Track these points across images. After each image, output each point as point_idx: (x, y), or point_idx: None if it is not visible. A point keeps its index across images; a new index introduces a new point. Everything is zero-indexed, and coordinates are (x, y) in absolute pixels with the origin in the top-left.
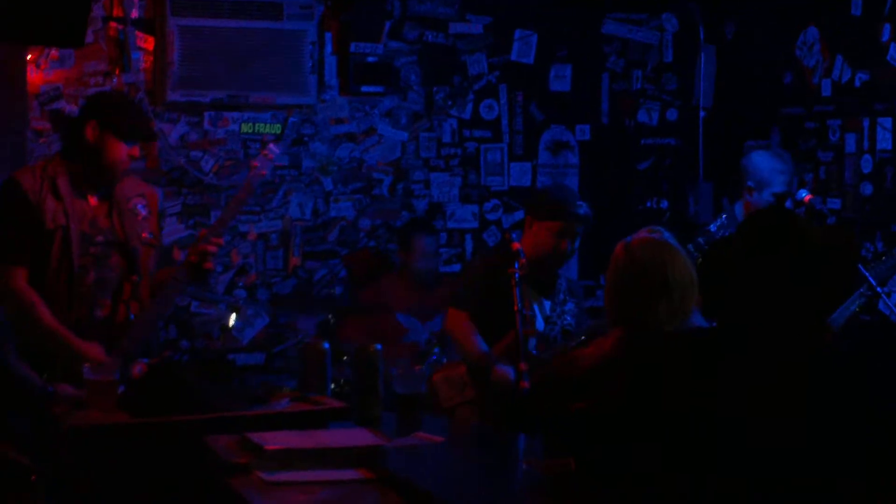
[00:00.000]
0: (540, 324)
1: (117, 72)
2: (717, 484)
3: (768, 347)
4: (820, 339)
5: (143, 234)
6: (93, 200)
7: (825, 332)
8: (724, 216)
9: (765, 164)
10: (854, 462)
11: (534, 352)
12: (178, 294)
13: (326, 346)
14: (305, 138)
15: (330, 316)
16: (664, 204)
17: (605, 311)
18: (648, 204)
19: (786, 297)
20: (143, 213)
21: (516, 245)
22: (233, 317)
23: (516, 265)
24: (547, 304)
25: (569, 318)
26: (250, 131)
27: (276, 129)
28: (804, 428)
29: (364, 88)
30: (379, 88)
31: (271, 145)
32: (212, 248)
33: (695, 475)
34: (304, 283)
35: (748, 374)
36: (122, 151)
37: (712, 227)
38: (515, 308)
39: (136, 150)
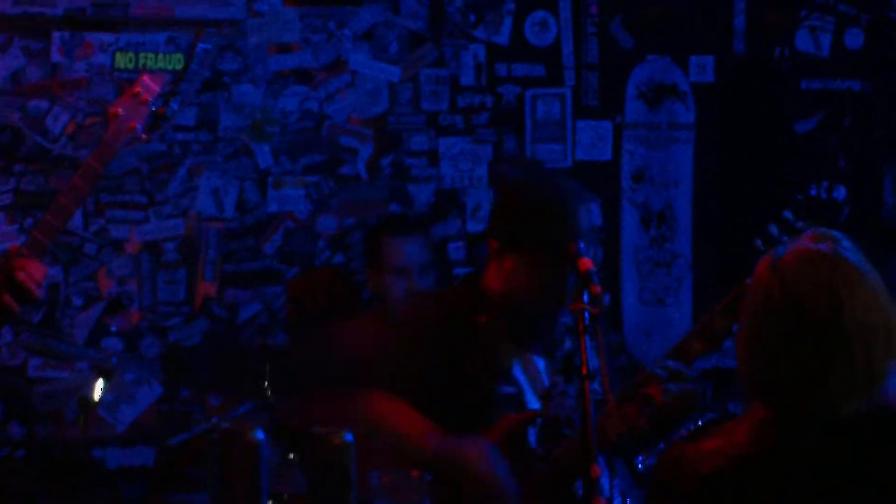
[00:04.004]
0: (533, 403)
1: None
2: None
3: None
4: None
5: None
6: None
7: None
8: None
9: None
10: None
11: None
12: None
13: (260, 435)
14: (226, 78)
15: (266, 383)
16: (840, 192)
17: (738, 376)
18: (813, 192)
19: None
20: None
21: (586, 262)
22: (99, 385)
23: (585, 297)
24: (540, 362)
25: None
26: (131, 66)
27: (177, 61)
28: None
29: None
30: None
31: (146, 77)
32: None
33: None
34: (223, 327)
35: None
36: None
37: None
38: (584, 371)
39: None
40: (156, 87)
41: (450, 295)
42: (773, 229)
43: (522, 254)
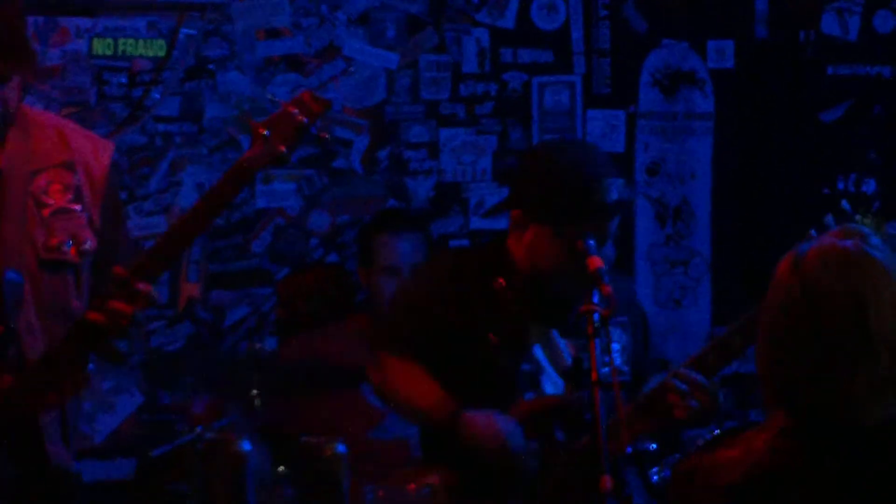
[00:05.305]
0: (549, 384)
1: None
2: None
3: None
4: None
5: (52, 243)
6: None
7: None
8: None
9: None
10: None
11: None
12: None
13: (247, 446)
14: (211, 65)
15: (254, 391)
16: (870, 185)
17: (759, 382)
18: (840, 185)
19: None
20: (65, 200)
21: (596, 261)
22: None
23: (595, 297)
24: (562, 343)
25: (617, 360)
26: (109, 53)
27: (159, 48)
28: None
29: None
30: None
31: (306, 95)
32: (125, 309)
33: None
34: (208, 331)
35: None
36: None
37: None
38: (594, 377)
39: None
40: (318, 109)
41: (472, 253)
42: (830, 219)
43: (544, 226)
